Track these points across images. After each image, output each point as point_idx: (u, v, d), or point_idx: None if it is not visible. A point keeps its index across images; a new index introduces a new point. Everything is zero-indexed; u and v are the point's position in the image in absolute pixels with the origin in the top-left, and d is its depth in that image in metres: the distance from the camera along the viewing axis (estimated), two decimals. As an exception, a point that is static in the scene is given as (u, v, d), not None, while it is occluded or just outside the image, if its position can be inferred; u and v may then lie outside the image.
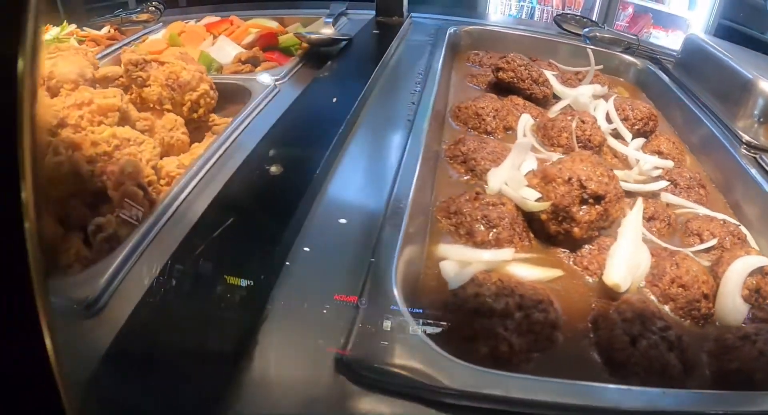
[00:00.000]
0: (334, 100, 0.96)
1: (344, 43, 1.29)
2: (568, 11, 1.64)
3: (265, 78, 1.14)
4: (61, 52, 1.15)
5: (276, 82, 1.12)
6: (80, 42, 1.88)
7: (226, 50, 1.43)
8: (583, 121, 1.00)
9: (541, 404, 0.47)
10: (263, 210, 0.67)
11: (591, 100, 1.19)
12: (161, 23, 2.07)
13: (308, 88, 1.05)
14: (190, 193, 0.74)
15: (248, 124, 0.94)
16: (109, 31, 2.10)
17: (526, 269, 0.67)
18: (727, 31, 3.19)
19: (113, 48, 1.51)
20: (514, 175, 0.78)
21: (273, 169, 0.71)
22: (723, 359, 0.61)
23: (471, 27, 1.53)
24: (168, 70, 1.03)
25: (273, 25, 1.62)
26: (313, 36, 1.30)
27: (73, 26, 2.02)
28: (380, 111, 1.00)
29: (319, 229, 0.66)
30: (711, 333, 0.66)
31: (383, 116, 0.98)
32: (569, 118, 1.01)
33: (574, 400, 0.47)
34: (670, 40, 3.55)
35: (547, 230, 0.74)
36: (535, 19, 3.80)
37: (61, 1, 2.80)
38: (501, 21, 2.13)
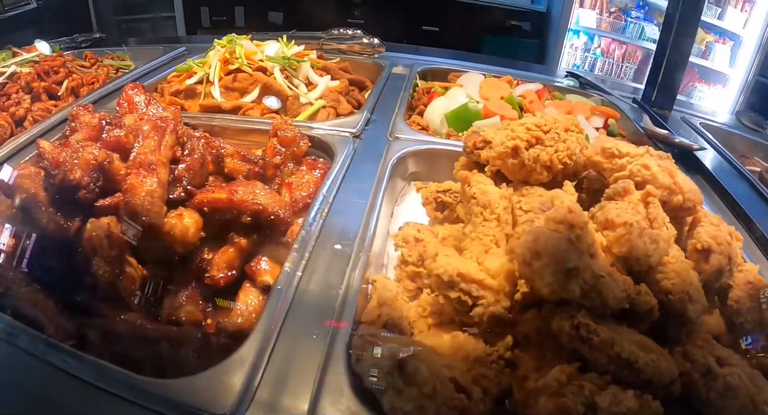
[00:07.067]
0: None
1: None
2: (747, 111, 2.22)
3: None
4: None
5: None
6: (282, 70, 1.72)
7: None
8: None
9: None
10: None
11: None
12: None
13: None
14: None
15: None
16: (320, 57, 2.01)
17: None
18: (764, 86, 3.90)
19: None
20: None
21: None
22: None
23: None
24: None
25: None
26: (685, 141, 1.57)
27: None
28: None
29: None
30: None
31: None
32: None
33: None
34: (711, 93, 4.23)
35: None
36: (596, 70, 4.40)
37: (96, 15, 2.97)
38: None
